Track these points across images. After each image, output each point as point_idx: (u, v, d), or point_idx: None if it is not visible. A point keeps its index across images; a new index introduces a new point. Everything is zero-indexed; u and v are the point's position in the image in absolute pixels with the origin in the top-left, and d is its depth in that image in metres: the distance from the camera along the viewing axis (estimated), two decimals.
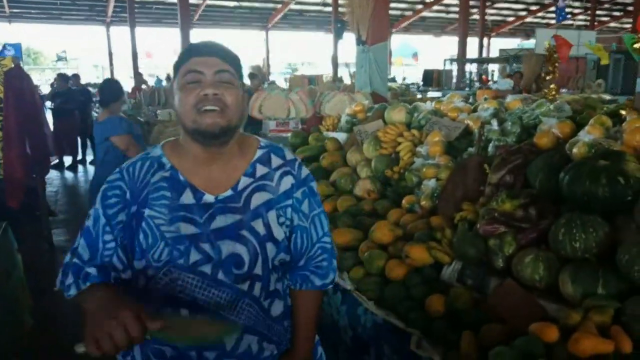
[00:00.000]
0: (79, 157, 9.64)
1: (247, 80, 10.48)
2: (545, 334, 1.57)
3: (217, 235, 1.23)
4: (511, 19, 28.26)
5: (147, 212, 1.23)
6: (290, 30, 26.93)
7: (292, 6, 22.93)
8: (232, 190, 1.27)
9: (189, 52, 1.24)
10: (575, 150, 2.14)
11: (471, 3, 19.83)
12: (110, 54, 20.92)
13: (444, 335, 1.90)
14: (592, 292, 1.73)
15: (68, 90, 9.17)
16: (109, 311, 1.05)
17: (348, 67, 12.82)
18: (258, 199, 1.28)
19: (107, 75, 22.83)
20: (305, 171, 1.38)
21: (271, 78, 20.02)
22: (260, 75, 9.84)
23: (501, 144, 2.53)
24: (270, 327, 1.35)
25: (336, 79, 15.47)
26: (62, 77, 9.48)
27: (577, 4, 24.03)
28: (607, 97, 6.22)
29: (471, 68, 18.51)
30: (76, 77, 10.15)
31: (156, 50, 29.23)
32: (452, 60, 18.16)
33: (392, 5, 24.42)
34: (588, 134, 2.15)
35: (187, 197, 1.24)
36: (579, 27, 24.64)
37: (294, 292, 1.43)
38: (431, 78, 19.62)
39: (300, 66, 39.74)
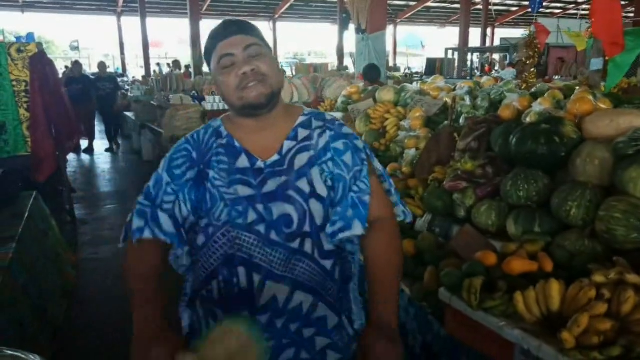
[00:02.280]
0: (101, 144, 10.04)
1: None
2: (486, 259, 1.96)
3: (269, 198, 1.29)
4: (515, 9, 28.31)
5: (211, 173, 1.32)
6: (296, 21, 27.17)
7: None
8: (278, 155, 1.32)
9: (214, 39, 1.30)
10: (527, 119, 2.51)
11: None
12: (122, 44, 21.31)
13: (412, 271, 2.29)
14: (530, 231, 2.12)
15: (83, 76, 9.56)
16: (147, 348, 1.22)
17: (353, 57, 13.15)
18: (301, 160, 1.32)
19: (118, 65, 23.24)
20: (347, 129, 1.40)
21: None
22: None
23: (470, 116, 2.90)
24: (329, 288, 1.36)
25: (341, 68, 15.78)
26: (77, 64, 9.85)
27: None
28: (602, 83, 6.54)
29: (473, 58, 18.73)
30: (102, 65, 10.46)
31: (165, 40, 29.62)
32: (453, 50, 18.37)
33: None
34: (539, 105, 2.53)
35: (243, 162, 1.32)
36: (582, 17, 24.71)
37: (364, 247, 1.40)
38: (434, 67, 19.87)
39: (307, 56, 39.96)
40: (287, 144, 1.34)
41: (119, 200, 6.59)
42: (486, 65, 19.71)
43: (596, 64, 2.99)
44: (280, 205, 1.29)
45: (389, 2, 23.90)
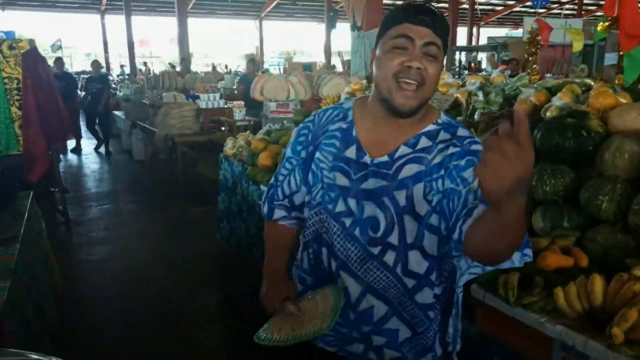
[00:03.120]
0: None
1: (240, 66, 10.74)
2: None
3: (365, 195, 1.28)
4: (500, 8, 28.61)
5: (317, 154, 1.37)
6: (283, 20, 27.10)
7: None
8: (388, 157, 1.28)
9: (405, 14, 1.20)
10: (548, 113, 2.49)
11: None
12: (105, 43, 21.02)
13: None
14: (558, 226, 2.09)
15: (65, 74, 9.30)
16: (266, 294, 1.55)
17: (341, 56, 13.12)
18: (409, 170, 1.26)
19: (102, 64, 22.88)
20: (477, 146, 1.24)
21: (265, 66, 20.26)
22: (255, 64, 10.12)
23: (486, 111, 2.87)
24: (407, 307, 1.34)
25: (329, 67, 15.77)
26: (59, 61, 9.49)
27: None
28: (590, 81, 6.61)
29: (460, 56, 18.87)
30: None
31: (150, 39, 29.29)
32: None
33: None
34: (559, 99, 2.50)
35: (351, 152, 1.31)
36: (566, 16, 25.07)
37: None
38: None
39: (293, 55, 39.88)
40: (402, 150, 1.28)
41: (112, 200, 6.47)
42: (472, 63, 19.84)
43: (611, 58, 2.99)
44: (372, 207, 1.28)
45: None
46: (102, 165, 8.69)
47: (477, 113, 2.93)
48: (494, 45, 16.76)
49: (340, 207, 1.31)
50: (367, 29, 7.30)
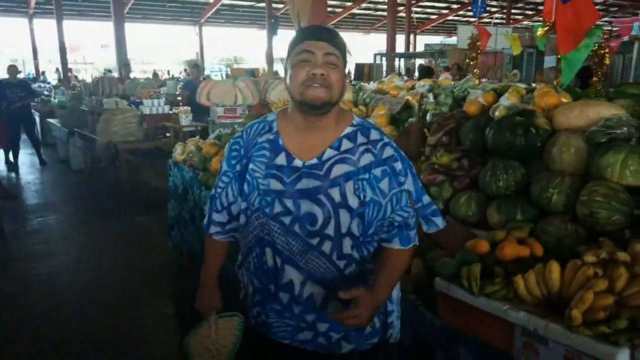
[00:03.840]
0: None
1: (180, 72, 10.54)
2: (478, 247, 2.01)
3: (300, 195, 1.44)
4: (435, 16, 29.66)
5: (251, 166, 1.51)
6: (223, 26, 26.81)
7: (225, 1, 22.92)
8: (317, 159, 1.45)
9: (305, 34, 1.43)
10: (497, 113, 2.61)
11: (398, 1, 20.69)
12: (34, 48, 20.00)
13: None
14: (512, 219, 2.19)
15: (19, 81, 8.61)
16: (202, 303, 1.70)
17: (283, 62, 13.14)
18: (339, 170, 1.44)
19: (31, 70, 21.79)
20: (388, 152, 1.48)
21: (206, 72, 19.97)
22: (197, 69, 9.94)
23: (437, 113, 2.98)
24: (341, 285, 1.47)
25: (272, 73, 15.75)
26: (13, 68, 8.66)
27: (494, 2, 25.63)
28: (523, 85, 6.99)
29: (399, 63, 19.38)
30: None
31: (82, 45, 28.15)
32: (382, 55, 18.92)
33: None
34: (507, 100, 2.64)
35: (281, 159, 1.47)
36: (496, 25, 26.36)
37: (382, 248, 1.56)
38: (362, 72, 20.37)
39: (233, 62, 39.55)
40: (329, 152, 1.46)
41: (51, 212, 6.15)
42: (411, 69, 20.43)
43: (550, 61, 3.18)
44: (309, 204, 1.44)
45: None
46: (38, 176, 8.25)
47: (428, 114, 3.03)
48: (432, 52, 17.35)
49: (277, 208, 1.47)
50: None
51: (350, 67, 24.07)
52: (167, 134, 6.63)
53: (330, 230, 1.46)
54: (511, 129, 2.31)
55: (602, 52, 4.79)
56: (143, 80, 10.51)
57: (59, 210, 6.20)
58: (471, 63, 4.87)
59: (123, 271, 4.35)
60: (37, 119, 9.92)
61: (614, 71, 9.77)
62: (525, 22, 31.57)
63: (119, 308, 3.67)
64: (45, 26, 19.69)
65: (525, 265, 1.87)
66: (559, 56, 3.06)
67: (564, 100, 2.56)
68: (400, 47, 24.13)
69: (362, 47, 31.26)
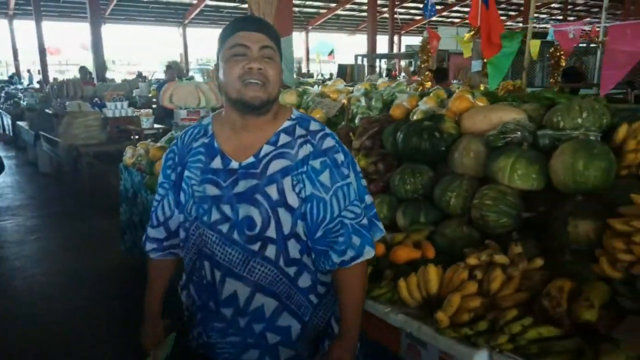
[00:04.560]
0: None
1: (160, 73, 10.51)
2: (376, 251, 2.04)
3: (238, 199, 1.33)
4: (418, 17, 29.75)
5: (186, 173, 1.41)
6: (207, 27, 26.74)
7: (209, 2, 22.88)
8: (254, 157, 1.35)
9: (237, 25, 1.32)
10: (414, 117, 2.65)
11: (380, 2, 20.77)
12: (15, 49, 19.87)
13: None
14: (417, 221, 2.23)
15: None
16: (145, 336, 1.62)
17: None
18: (276, 166, 1.33)
19: (12, 71, 21.64)
20: (328, 143, 1.37)
21: (190, 73, 19.92)
22: (177, 69, 9.92)
23: (364, 116, 3.01)
24: (292, 296, 1.40)
25: None
26: None
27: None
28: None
29: (381, 64, 19.45)
30: None
31: (65, 46, 27.98)
32: (362, 56, 18.97)
33: (308, 2, 25.07)
34: (425, 104, 2.68)
35: (217, 163, 1.37)
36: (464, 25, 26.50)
37: (334, 273, 1.42)
38: (345, 73, 20.43)
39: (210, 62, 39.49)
40: (266, 148, 1.36)
41: (11, 215, 6.13)
42: (393, 71, 20.52)
43: (476, 65, 3.22)
44: (246, 207, 1.33)
45: (300, 9, 24.17)
46: (5, 179, 8.21)
47: (357, 118, 3.06)
48: (411, 53, 17.41)
49: (214, 216, 1.35)
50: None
51: (334, 69, 24.22)
52: (132, 137, 6.62)
53: (271, 232, 1.34)
54: (417, 133, 2.35)
55: (558, 54, 4.85)
56: (119, 82, 10.48)
57: (21, 213, 6.18)
58: (422, 65, 4.91)
59: (76, 275, 4.35)
60: (9, 121, 9.86)
61: (589, 72, 9.91)
62: (509, 23, 31.79)
63: (70, 313, 3.67)
64: (27, 27, 19.52)
65: (417, 268, 1.90)
66: (485, 60, 3.12)
67: (479, 104, 2.60)
68: (385, 48, 24.22)
69: (347, 48, 31.32)
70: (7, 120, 10.03)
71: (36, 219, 5.97)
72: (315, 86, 4.14)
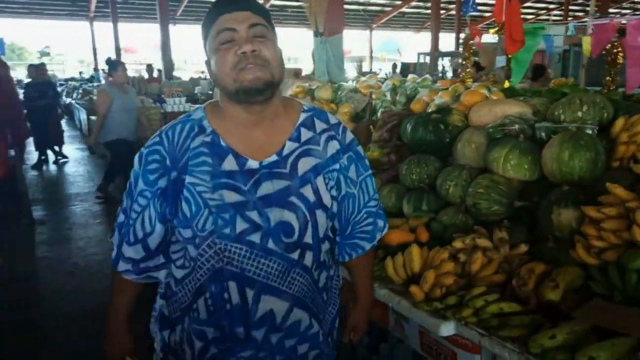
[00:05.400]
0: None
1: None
2: None
3: (265, 203, 1.18)
4: (488, 14, 28.96)
5: (188, 179, 1.18)
6: (277, 26, 27.37)
7: (274, 2, 23.43)
8: (277, 156, 1.21)
9: (217, 9, 1.16)
10: (429, 109, 2.75)
11: None
12: (95, 49, 21.33)
13: None
14: (418, 208, 2.34)
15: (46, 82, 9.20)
16: (112, 346, 1.44)
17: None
18: (305, 165, 1.22)
19: (92, 71, 23.22)
20: (349, 135, 1.33)
21: None
22: None
23: (386, 110, 3.14)
24: (316, 301, 1.33)
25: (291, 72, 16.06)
26: (32, 67, 8.91)
27: None
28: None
29: (445, 62, 19.19)
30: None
31: (141, 46, 29.66)
32: (425, 54, 18.81)
33: (372, 0, 25.10)
34: (440, 98, 2.77)
35: (230, 164, 1.19)
36: (554, 22, 25.41)
37: (350, 260, 1.44)
38: (408, 71, 20.35)
39: (286, 61, 40.27)
40: (289, 145, 1.23)
41: (84, 200, 6.72)
42: (457, 69, 20.16)
43: (500, 61, 3.24)
44: (279, 212, 1.19)
45: (364, 7, 24.16)
46: (76, 169, 8.94)
47: (379, 111, 3.20)
48: (477, 51, 17.06)
49: (240, 226, 1.17)
50: (329, 34, 7.57)
51: (398, 66, 24.14)
52: None
53: (308, 237, 1.23)
54: (424, 125, 2.46)
55: (615, 50, 4.73)
56: (180, 80, 11.10)
57: (88, 199, 6.75)
58: (463, 63, 4.93)
59: None
60: (84, 116, 10.68)
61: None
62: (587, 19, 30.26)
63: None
64: (106, 29, 20.86)
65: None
66: (509, 56, 3.13)
67: (494, 98, 2.67)
68: (451, 46, 23.82)
69: (415, 46, 31.03)
70: (83, 115, 10.86)
71: (100, 205, 6.51)
72: (350, 82, 4.28)
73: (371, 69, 26.45)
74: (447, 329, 1.60)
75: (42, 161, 8.88)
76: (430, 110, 2.74)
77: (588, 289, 1.63)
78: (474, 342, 1.55)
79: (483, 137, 2.27)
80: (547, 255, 1.81)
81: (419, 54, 19.48)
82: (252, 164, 1.19)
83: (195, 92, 10.23)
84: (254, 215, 1.17)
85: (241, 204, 1.17)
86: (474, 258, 1.81)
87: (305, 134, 1.26)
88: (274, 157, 1.21)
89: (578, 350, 1.31)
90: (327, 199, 1.25)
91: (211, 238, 1.18)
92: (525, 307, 1.58)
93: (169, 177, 1.20)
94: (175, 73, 14.55)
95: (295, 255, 1.22)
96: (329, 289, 1.41)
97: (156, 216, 1.24)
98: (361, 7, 25.73)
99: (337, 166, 1.27)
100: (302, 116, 1.28)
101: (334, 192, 1.27)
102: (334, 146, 1.28)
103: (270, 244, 1.19)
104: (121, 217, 1.31)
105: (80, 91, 13.22)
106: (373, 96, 3.64)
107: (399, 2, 25.76)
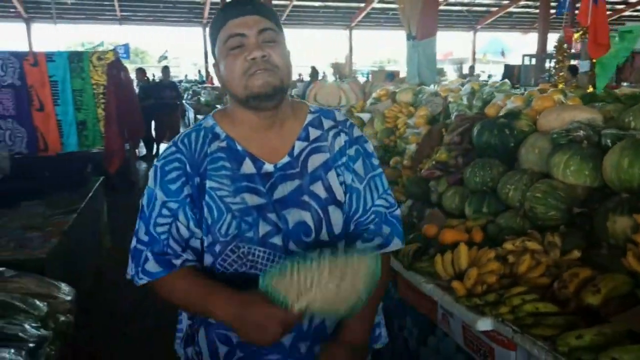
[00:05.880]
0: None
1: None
2: (427, 231, 2.28)
3: (282, 205, 1.18)
4: (609, 12, 26.86)
5: (208, 183, 1.18)
6: (372, 29, 27.56)
7: (376, 5, 23.60)
8: (288, 156, 1.22)
9: (224, 14, 1.15)
10: (501, 114, 2.77)
11: None
12: (206, 53, 22.85)
13: None
14: (479, 211, 2.39)
15: (171, 82, 9.89)
16: (257, 325, 1.06)
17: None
18: (315, 161, 1.22)
19: (204, 74, 24.92)
20: (357, 131, 1.31)
21: (355, 75, 20.90)
22: (338, 71, 10.63)
23: (459, 114, 3.18)
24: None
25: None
26: (166, 70, 10.19)
27: None
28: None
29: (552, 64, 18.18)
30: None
31: None
32: (531, 56, 17.91)
33: (477, 0, 24.36)
34: (512, 102, 2.78)
35: (248, 167, 1.19)
36: None
37: None
38: (511, 74, 19.48)
39: (386, 64, 40.29)
40: (299, 145, 1.24)
41: None
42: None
43: (584, 65, 3.12)
44: (296, 212, 1.19)
45: (468, 7, 23.49)
46: None
47: (453, 115, 3.24)
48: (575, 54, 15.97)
49: (263, 228, 1.17)
50: (422, 37, 7.58)
51: (499, 69, 23.18)
52: None
53: (324, 235, 1.22)
54: (489, 129, 2.49)
55: None
56: None
57: None
58: (556, 66, 4.78)
59: None
60: (192, 115, 11.58)
61: None
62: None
63: None
64: None
65: None
66: (594, 61, 2.98)
67: (569, 103, 2.63)
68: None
69: (524, 48, 29.61)
70: (191, 115, 11.78)
71: None
72: (432, 85, 4.33)
73: (473, 72, 25.67)
74: (485, 324, 1.67)
75: (152, 155, 9.79)
76: (502, 114, 2.76)
77: (634, 297, 1.62)
78: (509, 338, 1.61)
79: (547, 142, 2.27)
80: (599, 262, 1.80)
81: (523, 56, 18.58)
82: (268, 167, 1.21)
83: (292, 94, 10.70)
84: (274, 217, 1.18)
85: (262, 207, 1.18)
86: (522, 260, 1.85)
87: (314, 133, 1.27)
88: (286, 159, 1.22)
89: (603, 351, 1.33)
90: (340, 194, 1.24)
91: (234, 242, 1.18)
92: (564, 309, 1.61)
93: (192, 184, 1.19)
94: None
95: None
96: None
97: (192, 222, 1.19)
98: (465, 8, 25.07)
99: (343, 159, 1.26)
100: (310, 117, 1.29)
101: (344, 188, 1.26)
102: (341, 139, 1.27)
103: (292, 246, 1.19)
104: (145, 238, 1.20)
105: (190, 92, 14.30)
106: (451, 99, 3.68)
107: (506, 2, 24.75)
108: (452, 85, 4.09)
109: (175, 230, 1.19)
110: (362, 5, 23.76)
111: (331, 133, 1.27)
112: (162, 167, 1.20)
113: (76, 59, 5.53)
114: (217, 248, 1.19)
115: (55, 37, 15.78)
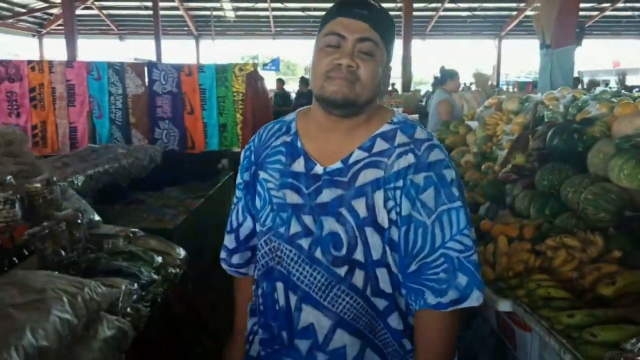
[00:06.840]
0: None
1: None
2: (483, 226, 2.44)
3: (321, 210, 1.14)
4: None
5: (262, 174, 1.22)
6: (525, 38, 26.25)
7: (529, 12, 22.52)
8: (341, 163, 1.15)
9: (338, 8, 1.13)
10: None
11: None
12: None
13: None
14: (542, 212, 2.48)
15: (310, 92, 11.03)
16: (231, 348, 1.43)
17: (580, 75, 12.60)
18: (367, 176, 1.13)
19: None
20: (436, 155, 1.13)
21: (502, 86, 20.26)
22: (480, 82, 10.54)
23: (549, 120, 3.21)
24: (378, 331, 1.17)
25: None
26: (305, 81, 11.34)
27: None
28: None
29: None
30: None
31: None
32: None
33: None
34: (597, 110, 2.78)
35: (299, 165, 1.18)
36: None
37: (415, 312, 1.15)
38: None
39: (531, 74, 37.97)
40: (357, 154, 1.16)
41: None
42: None
43: None
44: (332, 222, 1.14)
45: (613, 12, 21.42)
46: None
47: (543, 122, 3.27)
48: None
49: (294, 228, 1.16)
50: (557, 46, 7.24)
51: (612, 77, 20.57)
52: None
53: (359, 255, 1.13)
54: (560, 134, 2.55)
55: None
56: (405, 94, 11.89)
57: None
58: None
59: None
60: None
61: None
62: None
63: None
64: None
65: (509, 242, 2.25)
66: None
67: None
68: None
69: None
70: None
71: None
72: (539, 94, 4.30)
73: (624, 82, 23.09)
74: (504, 305, 1.84)
75: None
76: (575, 120, 2.78)
77: None
78: (521, 318, 1.76)
79: (611, 147, 2.29)
80: (637, 263, 1.84)
81: None
82: (318, 169, 1.17)
83: (422, 102, 10.85)
84: (308, 220, 1.15)
85: (299, 207, 1.16)
86: (558, 254, 1.96)
87: (380, 145, 1.15)
88: (338, 164, 1.16)
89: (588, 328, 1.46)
90: (382, 218, 1.12)
91: (268, 235, 1.21)
92: (578, 298, 1.71)
93: (250, 172, 1.28)
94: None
95: (342, 272, 1.13)
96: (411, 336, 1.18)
97: (246, 208, 1.32)
98: (637, 13, 22.72)
99: (400, 183, 1.11)
100: (386, 127, 1.17)
101: (393, 215, 1.12)
102: (407, 160, 1.12)
103: (318, 253, 1.14)
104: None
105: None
106: (552, 107, 3.67)
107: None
108: (558, 94, 4.04)
109: (237, 211, 1.34)
110: (514, 13, 22.85)
111: (398, 150, 1.14)
112: (244, 152, 1.34)
113: (221, 70, 6.42)
114: (259, 235, 1.25)
115: (215, 51, 18.13)
